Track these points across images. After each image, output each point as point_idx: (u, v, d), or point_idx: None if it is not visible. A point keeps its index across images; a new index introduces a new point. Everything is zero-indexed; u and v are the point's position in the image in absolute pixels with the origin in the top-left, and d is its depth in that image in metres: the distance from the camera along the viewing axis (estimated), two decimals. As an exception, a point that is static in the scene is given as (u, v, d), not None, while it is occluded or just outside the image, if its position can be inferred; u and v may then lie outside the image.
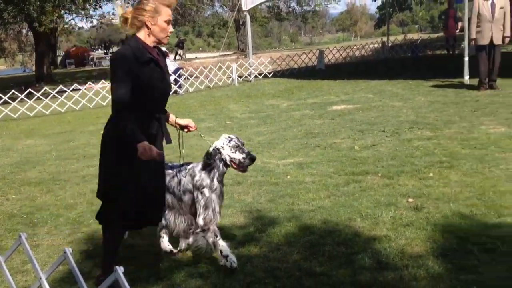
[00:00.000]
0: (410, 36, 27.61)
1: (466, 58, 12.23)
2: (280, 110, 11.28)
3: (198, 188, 3.75)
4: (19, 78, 29.54)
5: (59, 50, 49.59)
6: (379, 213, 4.60)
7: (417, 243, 3.95)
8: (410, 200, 4.92)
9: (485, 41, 10.88)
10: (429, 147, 6.82)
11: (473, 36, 11.06)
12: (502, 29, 10.80)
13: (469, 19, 11.45)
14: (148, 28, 3.34)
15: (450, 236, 4.01)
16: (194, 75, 17.73)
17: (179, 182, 3.82)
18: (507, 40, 11.10)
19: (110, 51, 55.48)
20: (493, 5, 10.76)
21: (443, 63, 17.64)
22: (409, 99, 10.92)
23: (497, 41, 10.83)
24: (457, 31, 20.03)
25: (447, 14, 20.79)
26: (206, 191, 3.73)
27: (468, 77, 12.22)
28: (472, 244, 3.79)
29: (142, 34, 3.36)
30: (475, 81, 11.45)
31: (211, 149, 3.78)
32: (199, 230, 3.73)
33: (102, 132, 3.54)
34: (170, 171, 3.87)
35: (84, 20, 33.06)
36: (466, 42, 12.19)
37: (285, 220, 4.64)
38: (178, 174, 3.84)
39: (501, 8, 10.76)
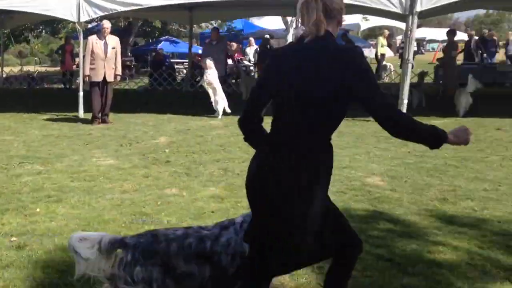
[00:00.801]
0: (27, 68, 26.81)
1: (81, 93, 12.53)
2: None
3: None
4: None
5: None
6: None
7: (16, 284, 3.73)
8: (13, 239, 4.65)
9: (98, 78, 11.39)
10: (38, 181, 6.64)
11: (87, 72, 11.47)
12: (114, 67, 11.50)
13: (84, 56, 11.81)
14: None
15: (51, 270, 3.94)
16: None
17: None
18: (118, 77, 11.90)
19: None
20: (106, 44, 11.38)
21: (59, 97, 17.63)
22: (22, 132, 10.48)
23: (110, 78, 11.47)
24: (74, 66, 20.42)
25: (64, 49, 21.02)
26: None
27: (82, 111, 12.51)
28: (71, 276, 3.80)
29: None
30: (89, 115, 11.79)
31: None
32: None
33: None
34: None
35: None
36: (81, 78, 12.49)
37: None
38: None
39: (113, 48, 11.48)
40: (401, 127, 2.74)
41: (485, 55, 21.03)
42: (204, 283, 2.87)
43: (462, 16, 77.47)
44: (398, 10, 10.94)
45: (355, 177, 6.87)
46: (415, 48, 30.37)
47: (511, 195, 6.02)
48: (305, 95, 2.66)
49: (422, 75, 14.63)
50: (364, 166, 7.46)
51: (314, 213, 2.69)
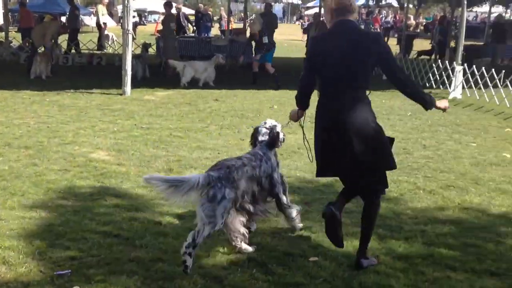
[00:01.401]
0: None
1: None
2: None
3: (274, 169, 4.19)
4: None
5: None
6: None
7: None
8: None
9: None
10: None
11: None
12: None
13: None
14: None
15: None
16: None
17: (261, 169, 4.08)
18: None
19: None
20: None
21: None
22: None
23: None
24: None
25: None
26: (278, 169, 4.27)
27: None
28: None
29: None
30: None
31: (277, 130, 4.29)
32: (286, 206, 4.29)
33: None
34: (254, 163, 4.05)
35: None
36: None
37: None
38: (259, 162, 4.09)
39: None
40: (410, 85, 3.83)
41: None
42: (254, 197, 4.08)
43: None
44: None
45: (79, 153, 6.60)
46: (137, 19, 30.58)
47: (228, 161, 6.55)
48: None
49: (145, 46, 14.76)
50: (89, 141, 7.22)
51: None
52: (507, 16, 36.96)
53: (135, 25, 25.55)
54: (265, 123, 4.37)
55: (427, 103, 3.83)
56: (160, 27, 17.58)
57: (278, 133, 4.31)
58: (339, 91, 3.75)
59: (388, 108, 10.25)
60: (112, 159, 6.44)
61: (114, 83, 11.57)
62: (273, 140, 4.27)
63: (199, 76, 12.82)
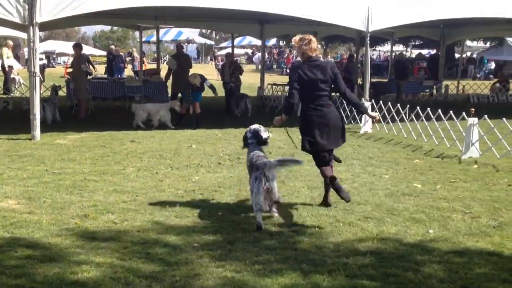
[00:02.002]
0: None
1: None
2: None
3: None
4: None
5: None
6: None
7: None
8: None
9: None
10: None
11: None
12: None
13: None
14: None
15: None
16: None
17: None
18: None
19: None
20: None
21: None
22: None
23: None
24: None
25: None
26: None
27: None
28: None
29: None
30: None
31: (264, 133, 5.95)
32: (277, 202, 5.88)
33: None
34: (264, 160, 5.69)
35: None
36: None
37: None
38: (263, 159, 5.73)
39: None
40: (352, 99, 6.22)
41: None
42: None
43: (89, 30, 79.42)
44: (17, 20, 10.34)
45: (-15, 202, 6.17)
46: (45, 61, 29.60)
47: (147, 204, 6.37)
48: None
49: (54, 89, 14.29)
50: (-4, 189, 6.79)
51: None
52: (408, 54, 39.47)
53: (44, 67, 24.73)
54: (249, 129, 6.03)
55: (365, 110, 7.03)
56: (69, 69, 17.12)
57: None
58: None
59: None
60: (23, 208, 6.08)
61: (23, 128, 11.06)
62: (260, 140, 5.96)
63: (153, 118, 12.69)
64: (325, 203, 6.23)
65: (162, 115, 12.76)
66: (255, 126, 6.03)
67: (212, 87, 13.10)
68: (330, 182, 5.87)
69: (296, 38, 6.03)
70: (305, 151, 6.19)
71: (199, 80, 12.83)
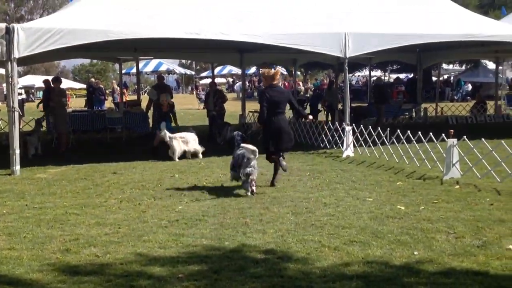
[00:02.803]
0: None
1: None
2: None
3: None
4: None
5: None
6: None
7: None
8: None
9: None
10: None
11: None
12: None
13: None
14: None
15: None
16: None
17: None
18: None
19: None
20: None
21: None
22: None
23: None
24: None
25: None
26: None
27: None
28: None
29: None
30: None
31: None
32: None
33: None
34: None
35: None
36: None
37: None
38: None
39: None
40: (298, 111, 9.83)
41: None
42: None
43: (69, 64, 79.27)
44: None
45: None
46: (25, 96, 29.46)
47: (130, 235, 6.27)
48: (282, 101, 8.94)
49: (38, 122, 14.18)
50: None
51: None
52: (386, 78, 40.05)
53: (23, 102, 24.57)
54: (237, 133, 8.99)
55: (304, 114, 10.37)
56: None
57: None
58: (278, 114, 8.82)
59: (288, 170, 10.49)
60: (3, 244, 5.95)
61: (2, 163, 10.91)
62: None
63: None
64: (272, 183, 8.98)
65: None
66: (238, 132, 9.27)
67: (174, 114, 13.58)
68: (277, 161, 8.88)
69: (265, 71, 9.29)
70: (266, 147, 8.94)
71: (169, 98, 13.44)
